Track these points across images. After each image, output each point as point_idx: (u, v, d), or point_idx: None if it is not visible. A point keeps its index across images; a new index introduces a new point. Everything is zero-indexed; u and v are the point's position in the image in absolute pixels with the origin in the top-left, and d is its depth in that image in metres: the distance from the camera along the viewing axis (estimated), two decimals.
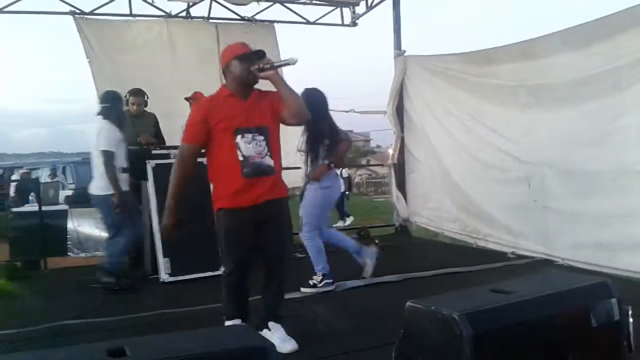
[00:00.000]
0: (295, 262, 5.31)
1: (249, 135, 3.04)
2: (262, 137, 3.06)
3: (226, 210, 3.12)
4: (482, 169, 6.08)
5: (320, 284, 4.42)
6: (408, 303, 1.84)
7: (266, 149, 3.07)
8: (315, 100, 4.24)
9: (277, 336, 3.06)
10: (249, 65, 3.05)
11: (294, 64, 2.99)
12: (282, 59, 7.39)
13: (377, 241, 5.50)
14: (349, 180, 14.61)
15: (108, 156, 4.57)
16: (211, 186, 3.24)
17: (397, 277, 4.74)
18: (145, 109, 5.74)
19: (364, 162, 37.17)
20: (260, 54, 3.11)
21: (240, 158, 3.03)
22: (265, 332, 3.03)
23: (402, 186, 7.52)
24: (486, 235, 6.12)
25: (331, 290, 4.42)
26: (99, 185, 4.64)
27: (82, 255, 6.31)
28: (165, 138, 5.87)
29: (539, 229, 5.35)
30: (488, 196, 6.05)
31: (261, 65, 3.01)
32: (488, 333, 1.66)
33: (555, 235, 5.17)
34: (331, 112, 4.60)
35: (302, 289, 4.38)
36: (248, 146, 3.03)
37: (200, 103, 3.43)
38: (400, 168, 7.55)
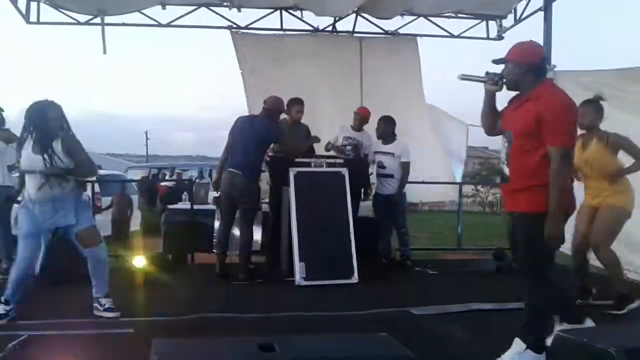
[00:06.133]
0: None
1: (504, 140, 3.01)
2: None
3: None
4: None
5: None
6: (557, 332, 1.76)
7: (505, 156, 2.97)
8: None
9: (509, 351, 2.83)
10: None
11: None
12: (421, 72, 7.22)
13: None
14: None
15: None
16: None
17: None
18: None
19: (498, 180, 35.27)
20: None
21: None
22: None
23: None
24: (638, 267, 5.54)
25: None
26: None
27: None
28: None
29: None
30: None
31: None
32: None
33: None
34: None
35: None
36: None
37: None
38: None
